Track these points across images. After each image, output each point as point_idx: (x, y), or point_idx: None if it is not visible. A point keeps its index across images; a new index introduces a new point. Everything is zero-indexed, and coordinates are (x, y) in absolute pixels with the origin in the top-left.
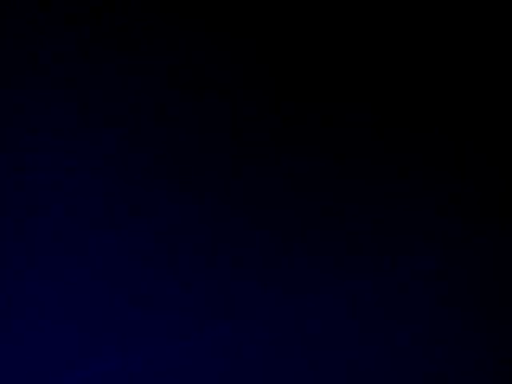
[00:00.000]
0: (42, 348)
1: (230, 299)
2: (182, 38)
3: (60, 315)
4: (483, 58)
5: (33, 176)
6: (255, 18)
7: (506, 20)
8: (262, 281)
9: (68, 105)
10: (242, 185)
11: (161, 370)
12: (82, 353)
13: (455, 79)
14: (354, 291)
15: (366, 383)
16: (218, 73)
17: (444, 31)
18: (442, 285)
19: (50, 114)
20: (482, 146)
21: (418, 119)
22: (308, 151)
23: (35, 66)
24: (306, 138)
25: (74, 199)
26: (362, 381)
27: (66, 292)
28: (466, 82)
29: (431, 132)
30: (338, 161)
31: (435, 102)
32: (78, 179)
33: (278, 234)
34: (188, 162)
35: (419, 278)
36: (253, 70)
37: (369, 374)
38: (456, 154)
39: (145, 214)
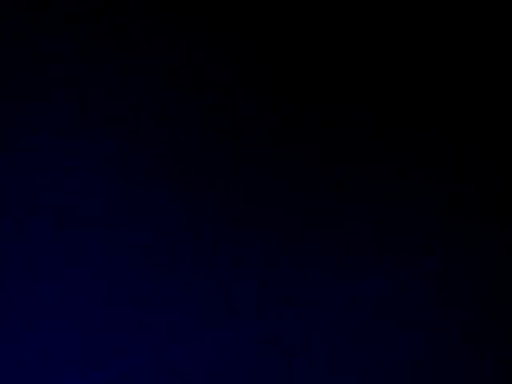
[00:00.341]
0: (41, 348)
1: (230, 299)
2: (181, 37)
3: (60, 315)
4: (483, 58)
5: (33, 176)
6: (255, 18)
7: (506, 20)
8: (262, 281)
9: (68, 105)
10: (242, 185)
11: (161, 370)
12: (82, 353)
13: (455, 79)
14: (354, 291)
15: (365, 383)
16: (218, 73)
17: (444, 31)
18: (442, 285)
19: (50, 114)
20: (482, 146)
21: (418, 119)
22: (308, 151)
23: (35, 66)
24: (306, 138)
25: (74, 199)
26: (361, 381)
27: (65, 292)
28: (466, 81)
29: (431, 132)
30: (338, 161)
31: (435, 102)
32: (78, 179)
33: (278, 233)
34: (188, 162)
35: (419, 278)
36: (253, 70)
37: (369, 374)
38: (456, 153)
39: (145, 214)
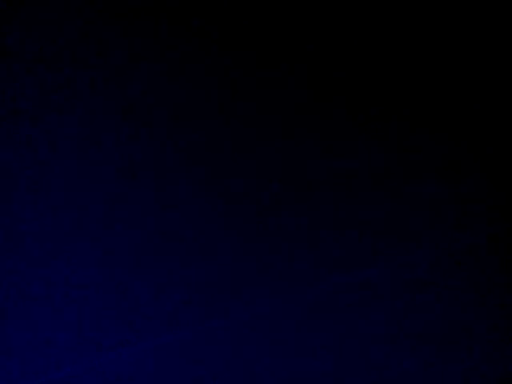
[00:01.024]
0: (41, 347)
1: (229, 295)
2: (183, 38)
3: (61, 301)
4: (483, 58)
5: (32, 176)
6: (255, 18)
7: (506, 20)
8: (262, 277)
9: (68, 106)
10: (241, 184)
11: (159, 357)
12: (81, 341)
13: (455, 79)
14: (353, 289)
15: (367, 377)
16: (218, 70)
17: (444, 31)
18: (442, 283)
19: (51, 115)
20: (481, 146)
21: (418, 119)
22: (308, 151)
23: (35, 65)
24: (306, 135)
25: (74, 200)
26: (362, 377)
27: (66, 291)
28: (466, 81)
29: (431, 132)
30: (338, 160)
31: (435, 102)
32: (78, 179)
33: (278, 233)
34: (189, 161)
35: (419, 276)
36: (251, 68)
37: (370, 370)
38: (455, 154)
39: (145, 214)
